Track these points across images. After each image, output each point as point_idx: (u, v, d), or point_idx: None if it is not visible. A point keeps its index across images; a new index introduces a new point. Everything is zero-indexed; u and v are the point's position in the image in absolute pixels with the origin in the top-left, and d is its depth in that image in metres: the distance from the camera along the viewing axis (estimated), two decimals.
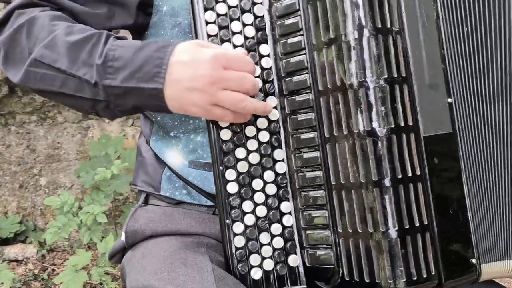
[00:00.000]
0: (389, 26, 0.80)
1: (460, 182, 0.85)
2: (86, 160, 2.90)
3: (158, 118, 1.02)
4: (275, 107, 0.89)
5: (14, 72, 0.91)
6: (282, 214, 0.90)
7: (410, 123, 0.80)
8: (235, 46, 0.89)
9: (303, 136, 0.87)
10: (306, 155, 0.87)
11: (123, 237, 1.07)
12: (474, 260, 0.84)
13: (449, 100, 0.85)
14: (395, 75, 0.80)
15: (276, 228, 0.90)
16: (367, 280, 0.80)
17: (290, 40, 0.87)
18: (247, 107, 0.83)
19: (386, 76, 0.79)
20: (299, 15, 0.86)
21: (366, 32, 0.79)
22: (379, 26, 0.80)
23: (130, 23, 0.99)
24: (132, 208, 1.10)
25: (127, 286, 1.00)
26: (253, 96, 0.86)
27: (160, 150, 1.05)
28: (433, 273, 0.79)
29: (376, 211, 0.79)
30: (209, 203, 1.01)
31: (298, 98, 0.87)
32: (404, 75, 0.81)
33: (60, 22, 0.89)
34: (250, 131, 0.89)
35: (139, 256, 0.99)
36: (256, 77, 0.87)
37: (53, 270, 2.77)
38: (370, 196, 0.79)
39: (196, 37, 0.89)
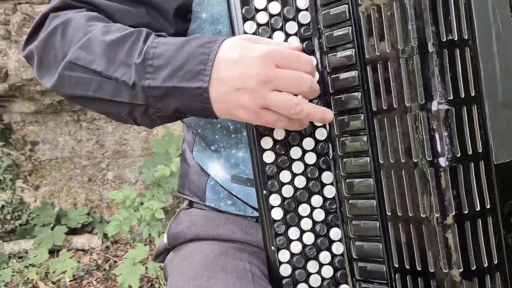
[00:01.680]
0: (456, 37, 0.69)
1: None
2: (150, 157, 2.92)
3: (199, 131, 0.96)
4: (324, 126, 0.81)
5: (48, 77, 0.83)
6: (332, 241, 0.83)
7: (479, 150, 0.70)
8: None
9: (355, 161, 0.78)
10: (357, 182, 0.78)
11: (165, 239, 1.05)
12: None
13: None
14: (462, 95, 0.69)
15: (325, 256, 0.83)
16: None
17: (339, 54, 0.78)
18: (303, 112, 0.71)
19: (451, 98, 0.69)
20: (350, 25, 0.76)
21: (429, 47, 0.69)
22: (444, 38, 0.69)
23: (168, 29, 0.90)
24: (177, 210, 1.07)
25: (168, 285, 0.97)
26: (311, 101, 0.76)
27: (202, 162, 1.00)
28: None
29: (438, 250, 0.70)
30: (255, 213, 0.95)
31: (349, 119, 0.78)
32: (473, 94, 0.70)
33: (96, 23, 0.81)
34: (295, 152, 0.81)
35: (180, 259, 0.97)
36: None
37: (114, 261, 2.86)
38: (431, 232, 0.71)
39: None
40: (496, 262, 0.70)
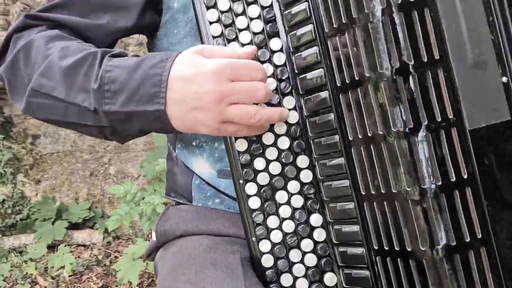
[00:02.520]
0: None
1: None
2: (153, 152, 2.90)
3: None
4: (294, 108, 0.77)
5: (19, 101, 0.85)
6: (313, 228, 0.79)
7: (450, 116, 0.65)
8: (242, 45, 0.78)
9: (324, 140, 0.75)
10: (330, 162, 0.75)
11: (154, 237, 1.04)
12: None
13: (504, 79, 0.67)
14: (425, 59, 0.65)
15: (307, 244, 0.79)
16: None
17: (299, 31, 0.74)
18: (262, 119, 0.73)
19: (412, 63, 0.65)
20: (307, 1, 0.73)
21: (382, 13, 0.65)
22: (399, 0, 0.65)
23: (135, 26, 0.91)
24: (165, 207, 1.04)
25: (158, 285, 0.95)
26: (268, 103, 0.76)
27: (185, 159, 0.98)
28: None
29: (414, 227, 0.66)
30: None
31: (314, 98, 0.75)
32: (437, 57, 0.65)
33: (55, 44, 0.82)
34: (268, 138, 0.79)
35: (170, 255, 0.94)
36: (268, 76, 0.77)
37: (115, 257, 2.85)
38: (405, 208, 0.67)
39: (201, 39, 0.80)
40: (480, 236, 0.65)
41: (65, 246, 2.89)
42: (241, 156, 0.79)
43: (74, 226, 3.07)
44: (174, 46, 0.91)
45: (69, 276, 2.75)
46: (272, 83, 0.78)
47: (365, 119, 0.69)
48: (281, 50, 0.78)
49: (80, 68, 0.78)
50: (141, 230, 2.86)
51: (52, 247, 2.92)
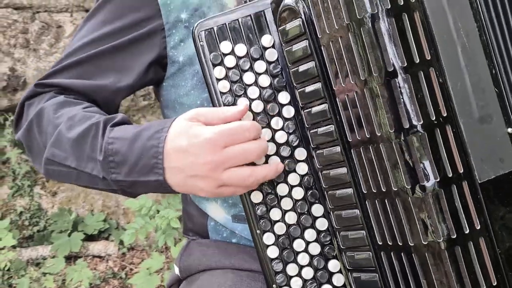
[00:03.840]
0: (417, 60, 0.67)
1: None
2: None
3: None
4: (306, 160, 0.80)
5: (38, 165, 0.93)
6: (331, 273, 0.82)
7: (461, 170, 0.68)
8: (251, 100, 0.80)
9: (339, 192, 0.77)
10: (345, 213, 0.77)
11: (176, 271, 1.06)
12: None
13: (509, 130, 0.70)
14: (433, 118, 0.67)
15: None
16: None
17: (308, 89, 0.77)
18: (256, 180, 0.77)
19: (421, 122, 0.67)
20: (313, 60, 0.75)
21: (390, 74, 0.67)
22: (405, 63, 0.67)
23: (138, 83, 0.95)
24: (185, 241, 1.08)
25: None
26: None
27: (200, 203, 1.01)
28: None
29: (432, 276, 0.69)
30: None
31: (327, 152, 0.77)
32: (444, 115, 0.67)
33: (63, 112, 0.88)
34: (282, 189, 0.81)
35: None
36: (279, 130, 0.80)
37: (131, 269, 2.89)
38: (423, 259, 0.70)
39: (210, 97, 0.82)
40: (495, 283, 0.67)
41: (83, 260, 2.94)
42: (256, 208, 0.81)
43: (89, 238, 3.12)
44: (182, 97, 0.94)
45: None
46: (282, 136, 0.80)
47: (378, 174, 0.71)
48: (289, 103, 0.80)
49: (86, 139, 0.83)
50: (156, 241, 2.90)
51: (69, 259, 2.97)
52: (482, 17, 0.70)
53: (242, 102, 0.79)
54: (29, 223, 3.16)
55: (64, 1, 2.78)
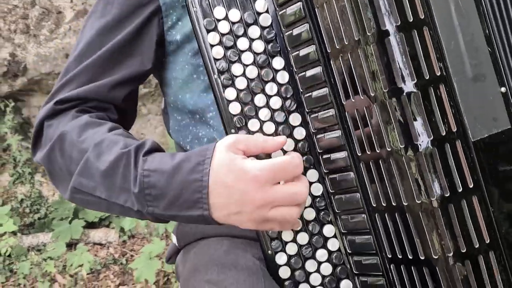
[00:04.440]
0: (411, 18, 0.67)
1: None
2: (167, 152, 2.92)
3: None
4: (300, 125, 0.80)
5: (62, 190, 0.90)
6: (326, 238, 0.82)
7: (454, 129, 0.68)
8: (245, 66, 0.80)
9: (334, 156, 0.78)
10: (340, 176, 0.78)
11: (174, 240, 1.07)
12: None
13: (502, 89, 0.70)
14: (427, 77, 0.67)
15: (321, 254, 0.82)
16: None
17: (302, 52, 0.77)
18: (298, 222, 0.80)
19: (415, 81, 0.67)
20: (307, 23, 0.75)
21: (384, 33, 0.67)
22: (399, 22, 0.67)
23: (153, 67, 0.95)
24: None
25: (180, 285, 0.99)
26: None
27: None
28: None
29: (425, 237, 0.70)
30: None
31: (321, 115, 0.78)
32: (438, 74, 0.68)
33: (87, 136, 0.84)
34: (277, 155, 0.80)
35: (191, 256, 0.98)
36: (274, 95, 0.80)
37: (131, 256, 2.90)
38: (415, 219, 0.70)
39: (204, 62, 0.81)
40: (488, 241, 0.68)
41: (84, 245, 2.95)
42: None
43: (90, 225, 3.13)
44: (177, 72, 0.95)
45: (87, 274, 2.81)
46: (277, 101, 0.80)
47: (372, 135, 0.72)
48: (284, 68, 0.80)
49: (117, 170, 0.79)
50: (156, 229, 2.91)
51: (69, 246, 2.99)
52: None
53: (280, 137, 0.78)
54: (30, 211, 3.17)
55: None
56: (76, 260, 2.77)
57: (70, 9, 2.77)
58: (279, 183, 0.74)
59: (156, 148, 0.82)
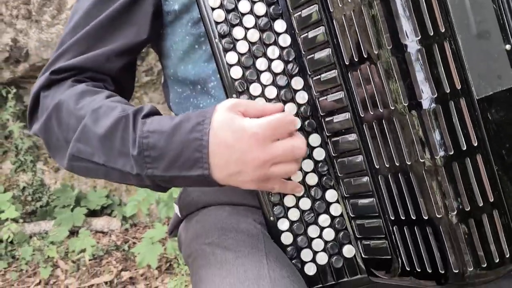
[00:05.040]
0: None
1: None
2: None
3: None
4: (303, 89, 0.79)
5: (59, 160, 0.88)
6: (329, 203, 0.81)
7: (458, 87, 0.67)
8: (246, 29, 0.79)
9: (336, 118, 0.77)
10: (342, 138, 0.77)
11: (176, 210, 1.07)
12: None
13: (507, 46, 0.69)
14: (431, 33, 0.66)
15: (324, 219, 0.82)
16: (429, 271, 0.71)
17: (304, 13, 0.76)
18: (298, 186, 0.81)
19: (419, 38, 0.66)
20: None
21: None
22: None
23: (149, 36, 0.94)
24: None
25: (182, 253, 1.00)
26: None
27: None
28: (507, 256, 0.68)
29: (429, 196, 0.69)
30: None
31: (324, 77, 0.77)
32: (443, 30, 0.67)
33: (85, 103, 0.83)
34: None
35: (193, 224, 0.99)
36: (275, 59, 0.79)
37: (133, 243, 2.90)
38: (419, 178, 0.69)
39: (204, 26, 0.80)
40: (492, 200, 0.67)
41: (86, 230, 2.96)
42: (271, 195, 0.82)
43: (92, 213, 3.13)
44: (177, 44, 0.94)
45: (89, 260, 2.82)
46: (279, 65, 0.79)
47: (375, 94, 0.71)
48: (286, 31, 0.79)
49: (116, 133, 0.78)
50: (158, 218, 2.91)
51: (72, 233, 2.99)
52: None
53: (278, 104, 0.79)
54: (32, 199, 3.18)
55: None
56: (78, 244, 2.78)
57: None
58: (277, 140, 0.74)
59: (155, 112, 0.81)
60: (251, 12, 0.79)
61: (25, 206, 3.16)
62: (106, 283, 2.67)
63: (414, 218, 0.71)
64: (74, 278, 2.76)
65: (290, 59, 0.79)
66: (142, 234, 2.88)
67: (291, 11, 0.78)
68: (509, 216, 0.68)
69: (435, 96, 0.67)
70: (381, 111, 0.70)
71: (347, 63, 0.73)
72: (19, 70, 2.93)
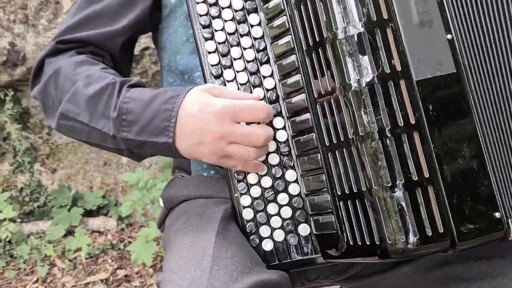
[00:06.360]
0: None
1: (471, 127, 0.75)
2: None
3: None
4: (271, 75, 0.87)
5: (50, 121, 0.97)
6: (288, 183, 0.87)
7: (399, 69, 0.73)
8: (225, 21, 0.88)
9: (295, 99, 0.84)
10: (299, 119, 0.83)
11: (161, 203, 1.13)
12: (497, 214, 0.73)
13: (449, 36, 0.75)
14: (374, 19, 0.73)
15: (282, 197, 0.88)
16: (368, 243, 0.74)
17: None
18: (254, 165, 0.85)
19: (363, 21, 0.73)
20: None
21: None
22: None
23: (147, 28, 1.03)
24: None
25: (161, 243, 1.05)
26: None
27: None
28: (441, 231, 0.71)
29: (366, 168, 0.73)
30: None
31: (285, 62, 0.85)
32: (386, 17, 0.73)
33: (81, 70, 0.91)
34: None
35: (173, 216, 1.05)
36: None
37: (129, 242, 2.94)
38: (360, 152, 0.74)
39: (190, 19, 0.89)
40: (427, 176, 0.71)
41: (82, 229, 3.00)
42: (234, 171, 0.89)
43: (89, 213, 3.17)
44: (171, 36, 1.01)
45: (86, 258, 2.86)
46: (250, 54, 0.87)
47: (326, 75, 0.77)
48: (259, 24, 0.88)
49: (102, 96, 0.86)
50: (154, 218, 2.95)
51: (69, 233, 3.03)
52: None
53: (251, 94, 0.86)
54: (30, 199, 3.21)
55: None
56: (75, 243, 2.82)
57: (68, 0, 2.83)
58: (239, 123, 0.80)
59: (141, 85, 0.90)
60: (230, 6, 0.88)
61: (23, 206, 3.20)
62: (102, 281, 2.70)
63: (355, 191, 0.75)
64: (70, 276, 2.79)
65: (261, 49, 0.87)
66: (138, 233, 2.93)
67: (262, 4, 0.86)
68: (444, 193, 0.72)
69: (375, 74, 0.72)
70: (330, 90, 0.76)
71: (304, 49, 0.79)
72: (17, 73, 2.99)
